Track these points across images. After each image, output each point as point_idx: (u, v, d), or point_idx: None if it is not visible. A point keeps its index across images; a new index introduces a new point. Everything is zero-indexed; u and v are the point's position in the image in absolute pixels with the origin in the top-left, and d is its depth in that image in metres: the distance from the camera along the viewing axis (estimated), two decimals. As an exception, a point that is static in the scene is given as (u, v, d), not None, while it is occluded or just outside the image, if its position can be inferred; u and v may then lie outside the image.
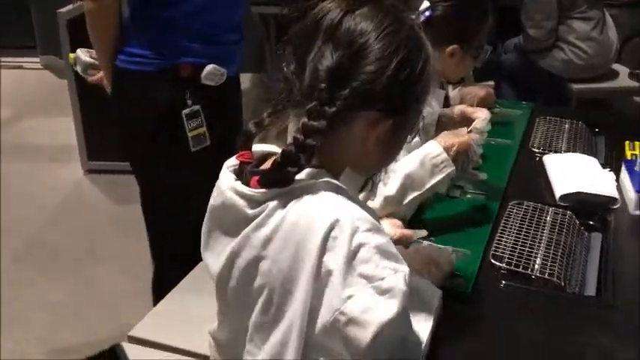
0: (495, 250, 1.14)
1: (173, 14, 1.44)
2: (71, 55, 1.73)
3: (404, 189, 1.16)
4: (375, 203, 1.16)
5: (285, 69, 0.80)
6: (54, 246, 2.51)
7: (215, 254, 0.84)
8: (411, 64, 0.76)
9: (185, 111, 1.46)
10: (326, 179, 0.77)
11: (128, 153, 1.62)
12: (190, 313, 1.21)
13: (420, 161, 1.15)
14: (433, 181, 1.15)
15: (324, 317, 0.72)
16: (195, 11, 1.43)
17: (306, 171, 0.77)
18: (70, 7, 2.82)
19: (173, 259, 1.56)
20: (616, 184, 1.35)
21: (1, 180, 2.89)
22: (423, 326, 0.88)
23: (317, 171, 0.78)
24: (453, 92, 1.73)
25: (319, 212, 0.74)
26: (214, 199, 0.84)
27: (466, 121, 1.32)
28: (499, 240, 1.17)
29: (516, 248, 1.14)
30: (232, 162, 0.84)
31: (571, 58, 2.83)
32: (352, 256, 0.71)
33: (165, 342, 1.24)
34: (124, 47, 1.49)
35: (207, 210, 0.86)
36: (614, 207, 1.29)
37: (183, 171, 1.52)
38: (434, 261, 1.04)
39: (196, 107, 1.47)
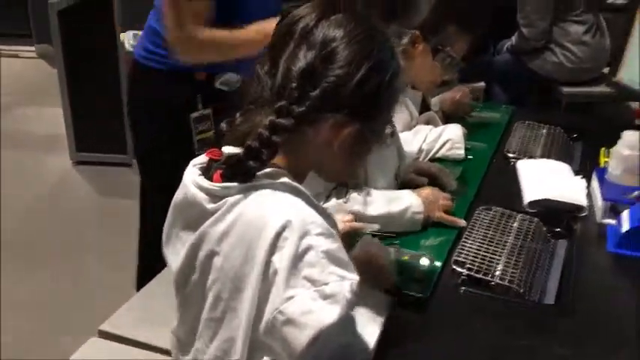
0: (458, 256, 1.14)
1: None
2: (123, 36, 1.74)
3: (378, 220, 1.18)
4: (339, 201, 1.17)
5: (258, 69, 0.82)
6: (36, 236, 2.52)
7: (175, 250, 0.85)
8: (380, 73, 0.79)
9: (194, 114, 1.47)
10: (285, 180, 0.79)
11: (135, 144, 1.64)
12: (163, 309, 1.21)
13: (402, 210, 1.21)
14: (402, 230, 1.21)
15: (266, 316, 0.74)
16: (218, 21, 1.42)
17: (267, 170, 0.78)
18: (61, -3, 2.83)
19: (161, 258, 1.58)
20: (587, 191, 1.35)
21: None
22: (369, 331, 0.88)
23: (277, 171, 0.79)
24: (434, 99, 1.74)
25: (273, 212, 0.75)
26: (177, 195, 0.85)
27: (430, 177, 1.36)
28: (463, 245, 1.16)
29: (479, 254, 1.14)
30: (201, 159, 0.85)
31: (562, 61, 2.82)
32: (299, 257, 0.72)
33: (134, 337, 1.25)
34: (144, 42, 1.51)
35: (170, 206, 0.87)
36: (582, 214, 1.29)
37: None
38: (374, 256, 1.04)
39: (207, 111, 1.48)
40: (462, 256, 1.13)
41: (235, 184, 0.78)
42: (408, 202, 1.22)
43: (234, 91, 1.49)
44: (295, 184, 0.79)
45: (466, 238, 1.19)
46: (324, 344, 0.72)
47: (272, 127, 0.76)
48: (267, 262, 0.73)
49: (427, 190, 1.27)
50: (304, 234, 0.73)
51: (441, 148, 1.51)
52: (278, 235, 0.73)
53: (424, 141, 1.51)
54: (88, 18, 2.89)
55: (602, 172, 1.33)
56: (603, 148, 1.49)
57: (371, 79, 0.78)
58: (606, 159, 1.36)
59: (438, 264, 1.12)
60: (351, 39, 0.77)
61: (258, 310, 0.74)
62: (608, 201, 1.26)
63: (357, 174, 0.94)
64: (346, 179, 0.90)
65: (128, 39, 1.69)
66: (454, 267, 1.11)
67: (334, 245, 0.75)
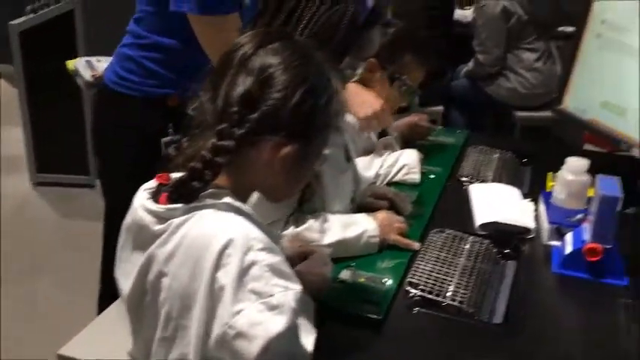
0: (412, 277, 1.18)
1: (171, 47, 1.47)
2: (70, 63, 1.75)
3: (333, 247, 1.22)
4: (296, 230, 1.21)
5: (201, 96, 0.86)
6: (-5, 259, 2.49)
7: (126, 272, 0.88)
8: (315, 96, 0.84)
9: (165, 139, 1.49)
10: (228, 200, 0.83)
11: (100, 169, 1.64)
12: (124, 332, 1.22)
13: (358, 234, 1.25)
14: (359, 253, 1.25)
15: (215, 331, 0.77)
16: (192, 49, 1.45)
17: (210, 191, 0.82)
18: (22, 18, 2.82)
19: None
20: (534, 214, 1.41)
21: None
22: (309, 340, 0.92)
23: (220, 191, 0.83)
24: (392, 123, 1.79)
25: (216, 231, 0.79)
26: (127, 218, 0.88)
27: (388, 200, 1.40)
28: (417, 267, 1.21)
29: (432, 275, 1.18)
30: (151, 184, 0.88)
31: (516, 87, 2.94)
32: (244, 272, 0.76)
33: (92, 361, 1.25)
34: (115, 68, 1.52)
35: (121, 230, 0.89)
36: (530, 236, 1.35)
37: None
38: (317, 273, 1.07)
39: (178, 136, 1.50)
40: (416, 277, 1.18)
41: (180, 205, 0.82)
42: (364, 226, 1.26)
43: None
44: (238, 203, 0.84)
45: (420, 260, 1.23)
46: (273, 354, 0.76)
47: (214, 149, 0.80)
48: (213, 279, 0.77)
49: (382, 214, 1.31)
50: (247, 250, 0.77)
51: (397, 172, 1.56)
52: (222, 252, 0.77)
53: (381, 166, 1.56)
54: (49, 39, 2.88)
55: (548, 196, 1.39)
56: (550, 173, 1.56)
57: (306, 102, 0.83)
58: (552, 183, 1.43)
59: (392, 286, 1.16)
60: (287, 65, 0.82)
61: (208, 326, 0.78)
62: (553, 224, 1.32)
63: (297, 192, 0.98)
64: (288, 197, 0.95)
65: (82, 66, 1.69)
66: (408, 288, 1.15)
67: (277, 259, 0.79)
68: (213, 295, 0.77)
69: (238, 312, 0.75)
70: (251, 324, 0.75)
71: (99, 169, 1.68)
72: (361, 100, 1.44)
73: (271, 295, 0.76)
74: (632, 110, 1.49)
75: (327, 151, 0.93)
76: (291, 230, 1.21)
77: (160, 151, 1.48)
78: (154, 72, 1.52)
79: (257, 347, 0.75)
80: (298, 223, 1.21)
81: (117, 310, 1.37)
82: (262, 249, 0.78)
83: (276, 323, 0.75)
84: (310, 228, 1.21)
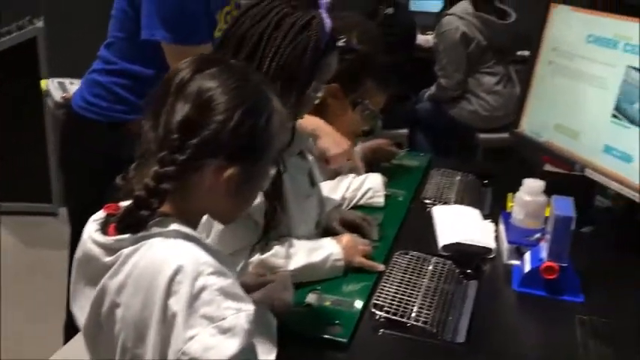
0: (377, 299, 1.20)
1: (140, 74, 1.48)
2: (43, 83, 1.74)
3: (299, 272, 1.24)
4: (261, 257, 1.22)
5: (144, 124, 0.87)
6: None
7: (81, 305, 0.88)
8: (254, 118, 0.85)
9: (133, 165, 1.47)
10: (176, 227, 0.83)
11: (67, 194, 1.63)
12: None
13: (323, 258, 1.26)
14: (325, 277, 1.27)
15: (170, 358, 0.77)
16: (161, 76, 1.47)
17: (157, 219, 0.83)
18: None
19: None
20: (495, 234, 1.45)
21: None
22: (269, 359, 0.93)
23: (167, 219, 0.84)
24: (357, 147, 1.83)
25: (166, 258, 0.79)
26: (77, 251, 0.89)
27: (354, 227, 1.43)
28: (381, 289, 1.23)
29: (397, 297, 1.21)
30: (99, 214, 0.89)
31: (477, 109, 3.02)
32: (194, 298, 0.77)
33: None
34: (83, 93, 1.52)
35: (73, 263, 0.90)
36: (491, 256, 1.39)
37: None
38: (278, 298, 1.09)
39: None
40: (381, 299, 1.20)
41: (128, 235, 0.82)
42: (329, 250, 1.28)
43: None
44: (185, 229, 0.84)
45: (384, 281, 1.25)
46: None
47: (156, 177, 0.81)
48: (165, 307, 0.77)
49: (347, 237, 1.33)
50: (197, 275, 0.78)
51: (362, 196, 1.59)
52: (172, 279, 0.78)
53: (347, 189, 1.59)
54: (11, 65, 2.86)
55: (507, 216, 1.43)
56: (510, 193, 1.61)
57: (245, 124, 0.83)
58: (512, 204, 1.48)
59: (358, 308, 1.18)
60: (225, 88, 0.83)
61: (163, 354, 0.78)
62: (513, 243, 1.36)
63: (245, 212, 0.99)
64: (237, 218, 0.96)
65: (54, 87, 1.70)
66: (373, 310, 1.17)
67: (227, 282, 0.80)
68: (166, 323, 0.77)
69: (191, 338, 0.76)
70: (204, 349, 0.75)
71: (65, 194, 1.67)
72: (333, 140, 1.48)
73: (223, 319, 0.77)
74: (584, 133, 1.55)
75: (272, 171, 0.94)
76: (257, 257, 1.22)
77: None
78: (122, 98, 1.53)
79: None
80: (264, 250, 1.23)
81: (83, 339, 1.36)
82: (212, 273, 0.79)
83: (229, 346, 0.76)
84: (276, 254, 1.23)
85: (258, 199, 1.16)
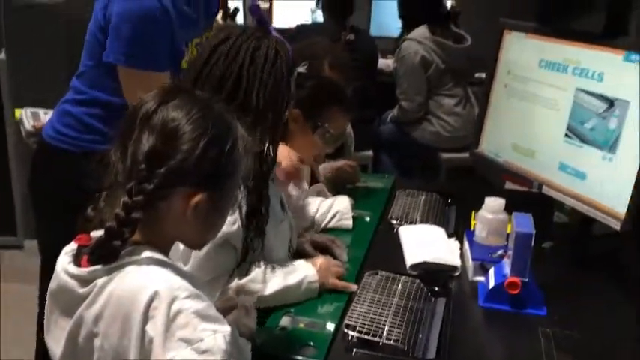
0: (349, 320, 1.23)
1: (110, 103, 1.49)
2: (18, 112, 1.73)
3: (276, 295, 1.27)
4: (240, 282, 1.25)
5: (112, 156, 0.90)
6: None
7: (56, 338, 0.89)
8: (218, 146, 0.88)
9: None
10: (148, 254, 0.86)
11: (38, 226, 1.62)
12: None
13: (299, 281, 1.30)
14: (301, 299, 1.30)
15: None
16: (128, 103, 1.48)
17: (129, 248, 0.85)
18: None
19: None
20: (460, 252, 1.50)
21: None
22: None
23: (139, 247, 0.86)
24: (321, 167, 1.87)
25: (141, 285, 0.82)
26: (51, 284, 0.90)
27: (324, 249, 1.48)
28: (353, 309, 1.26)
29: (368, 316, 1.24)
30: (71, 246, 0.90)
31: (439, 130, 3.11)
32: (171, 322, 0.79)
33: None
34: (54, 124, 1.52)
35: (47, 295, 0.91)
36: (457, 274, 1.44)
37: None
38: (242, 324, 1.11)
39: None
40: (353, 319, 1.23)
41: (101, 266, 0.84)
42: (304, 272, 1.31)
43: None
44: (158, 255, 0.87)
45: (356, 302, 1.29)
46: None
47: (126, 207, 0.83)
48: (143, 333, 0.80)
49: (320, 259, 1.37)
50: (173, 299, 0.81)
51: (331, 219, 1.63)
52: (148, 305, 0.80)
53: (316, 213, 1.63)
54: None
55: (471, 235, 1.49)
56: (474, 212, 1.67)
57: (210, 151, 0.86)
58: (475, 222, 1.54)
59: (331, 329, 1.21)
60: (189, 118, 0.86)
61: None
62: (477, 260, 1.42)
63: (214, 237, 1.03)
64: (207, 244, 0.99)
65: (27, 116, 1.70)
66: (346, 330, 1.20)
67: (202, 304, 0.83)
68: (145, 349, 0.80)
69: None
70: None
71: (36, 226, 1.65)
72: (281, 155, 1.51)
73: (200, 340, 0.79)
74: (540, 152, 1.63)
75: (238, 195, 0.97)
76: (235, 283, 1.24)
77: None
78: (93, 127, 1.54)
79: None
80: (242, 275, 1.25)
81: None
82: (187, 296, 0.82)
83: None
84: (253, 279, 1.26)
85: (236, 225, 1.19)
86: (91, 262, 0.85)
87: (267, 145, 1.20)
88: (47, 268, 1.61)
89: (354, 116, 1.72)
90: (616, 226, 1.39)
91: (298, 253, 1.44)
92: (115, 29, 1.46)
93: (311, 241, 1.49)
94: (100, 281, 0.84)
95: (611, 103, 1.43)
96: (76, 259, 0.88)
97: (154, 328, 0.79)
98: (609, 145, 1.43)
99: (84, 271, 0.85)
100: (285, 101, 1.24)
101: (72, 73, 1.63)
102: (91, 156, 1.51)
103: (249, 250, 1.22)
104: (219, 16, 2.61)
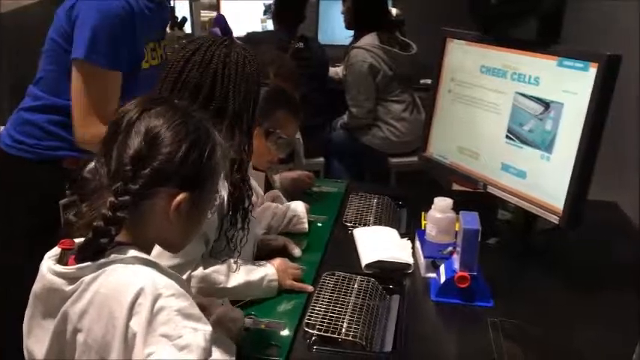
0: (309, 319, 1.27)
1: (68, 108, 1.49)
2: None
3: (238, 288, 1.31)
4: (205, 272, 1.28)
5: (95, 162, 0.93)
6: None
7: (38, 339, 0.91)
8: (199, 148, 0.94)
9: (63, 201, 1.47)
10: (134, 253, 0.89)
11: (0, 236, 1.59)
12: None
13: (260, 278, 1.35)
14: (261, 296, 1.36)
15: None
16: None
17: (116, 248, 0.89)
18: None
19: None
20: (412, 250, 1.57)
21: None
22: None
23: (125, 247, 0.90)
24: (276, 177, 1.92)
25: (127, 283, 0.85)
26: (35, 286, 0.92)
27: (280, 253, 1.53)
28: (312, 309, 1.31)
29: (327, 315, 1.29)
30: (54, 251, 0.92)
31: (388, 136, 3.19)
32: (153, 318, 0.82)
33: None
34: (10, 131, 1.50)
35: (30, 298, 0.92)
36: (409, 271, 1.50)
37: None
38: (230, 319, 1.18)
39: (75, 198, 1.49)
40: (312, 318, 1.27)
41: (89, 263, 0.87)
42: (265, 271, 1.36)
43: None
44: (143, 255, 0.91)
45: (315, 302, 1.33)
46: None
47: (112, 207, 0.87)
48: (127, 328, 0.83)
49: (279, 261, 1.42)
50: (156, 297, 0.84)
51: (287, 224, 1.67)
52: (133, 302, 0.83)
53: (272, 218, 1.66)
54: None
55: (422, 234, 1.56)
56: (424, 212, 1.74)
57: (190, 155, 0.92)
58: (426, 222, 1.60)
59: (291, 328, 1.25)
60: (170, 124, 0.92)
61: None
62: (429, 258, 1.49)
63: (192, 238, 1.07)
64: (185, 245, 1.02)
65: None
66: (306, 329, 1.25)
67: (185, 303, 0.86)
68: (128, 344, 0.82)
69: (149, 354, 0.81)
70: None
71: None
72: None
73: (180, 337, 0.82)
74: (484, 154, 1.72)
75: (218, 198, 1.02)
76: (200, 271, 1.28)
77: (57, 213, 1.48)
78: (52, 133, 1.53)
79: None
80: (206, 264, 1.29)
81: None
82: (171, 295, 0.85)
83: None
84: (218, 270, 1.29)
85: (213, 216, 1.23)
86: (78, 261, 0.88)
87: (245, 143, 1.27)
88: (3, 272, 1.59)
89: (303, 121, 1.77)
90: (555, 220, 1.48)
91: (256, 257, 1.48)
92: (80, 27, 1.47)
93: (269, 245, 1.53)
94: (86, 279, 0.86)
95: (547, 105, 1.53)
96: (61, 262, 0.90)
97: (138, 324, 0.82)
98: (546, 145, 1.52)
99: (71, 268, 0.87)
100: (257, 102, 1.31)
101: (15, 85, 1.62)
102: (48, 162, 1.52)
103: (229, 243, 1.25)
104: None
